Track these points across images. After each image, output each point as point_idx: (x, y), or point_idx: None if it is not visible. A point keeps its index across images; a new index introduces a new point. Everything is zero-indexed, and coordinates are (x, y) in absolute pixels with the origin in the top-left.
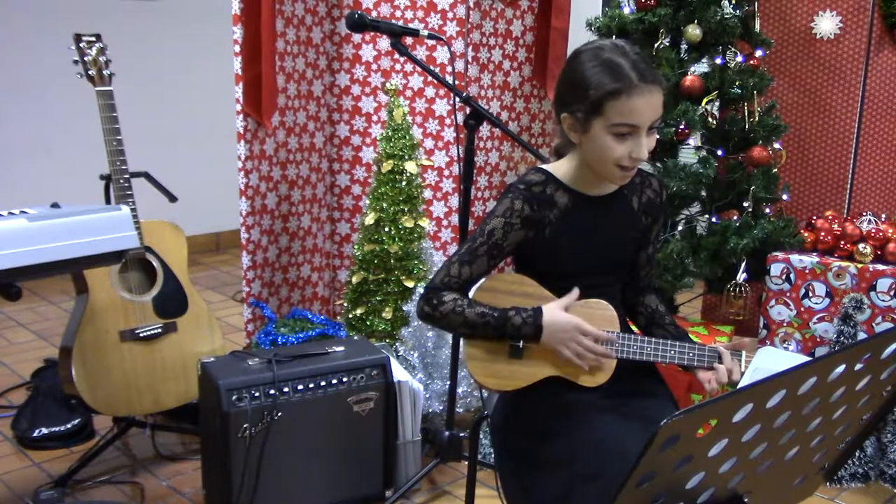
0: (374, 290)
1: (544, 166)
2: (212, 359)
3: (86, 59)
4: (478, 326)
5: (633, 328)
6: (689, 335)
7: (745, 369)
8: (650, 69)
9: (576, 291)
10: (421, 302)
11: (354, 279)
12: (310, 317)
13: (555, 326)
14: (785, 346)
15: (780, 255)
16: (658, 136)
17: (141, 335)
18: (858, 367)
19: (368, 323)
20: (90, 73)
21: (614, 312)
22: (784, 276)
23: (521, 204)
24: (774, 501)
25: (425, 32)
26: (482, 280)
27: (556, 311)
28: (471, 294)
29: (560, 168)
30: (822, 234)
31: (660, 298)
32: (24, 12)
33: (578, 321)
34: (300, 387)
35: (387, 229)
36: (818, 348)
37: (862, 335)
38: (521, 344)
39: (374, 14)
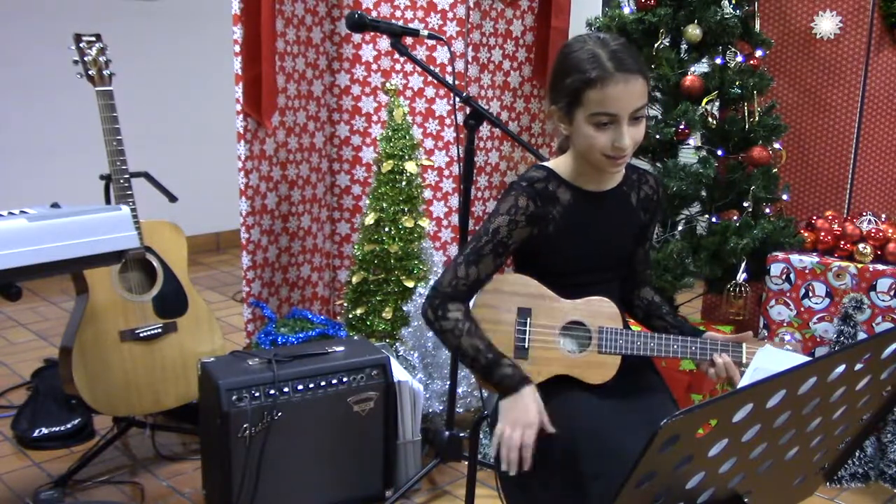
0: (374, 290)
1: (545, 163)
2: (212, 359)
3: (86, 59)
4: (467, 358)
5: (634, 328)
6: (688, 322)
7: (747, 361)
8: (629, 58)
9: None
10: (426, 304)
11: (354, 279)
12: (310, 317)
13: (528, 401)
14: (784, 337)
15: (780, 255)
16: (658, 136)
17: (141, 335)
18: (858, 367)
19: (368, 323)
20: (90, 73)
21: (616, 309)
22: (784, 276)
23: (525, 201)
24: (774, 501)
25: (425, 32)
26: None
27: (536, 395)
28: (475, 296)
29: (560, 164)
30: (822, 234)
31: (655, 290)
32: (24, 12)
33: (543, 419)
34: (300, 387)
35: (387, 229)
36: (818, 348)
37: (862, 335)
38: (526, 344)
39: (374, 14)
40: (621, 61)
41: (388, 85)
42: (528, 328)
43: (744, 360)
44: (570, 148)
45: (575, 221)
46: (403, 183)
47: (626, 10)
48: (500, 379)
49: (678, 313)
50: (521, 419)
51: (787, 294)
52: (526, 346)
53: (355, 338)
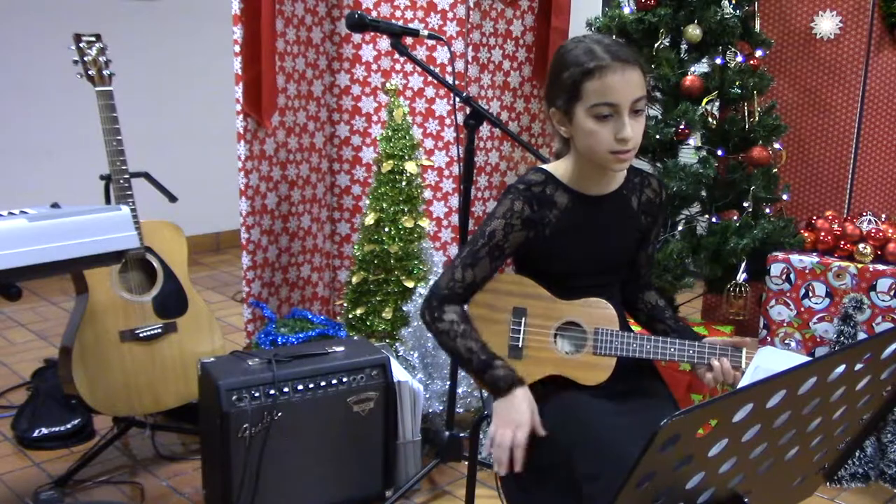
0: (374, 290)
1: (544, 166)
2: (212, 359)
3: (86, 59)
4: (462, 360)
5: (634, 328)
6: (691, 327)
7: (746, 366)
8: (625, 50)
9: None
10: (424, 306)
11: (354, 279)
12: (310, 317)
13: (520, 402)
14: (786, 342)
15: (780, 255)
16: (658, 136)
17: (141, 335)
18: (858, 367)
19: (368, 323)
20: (90, 73)
21: (613, 311)
22: (784, 276)
23: (520, 205)
24: (774, 501)
25: (425, 32)
26: None
27: (529, 396)
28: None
29: (559, 168)
30: (822, 234)
31: (659, 294)
32: (24, 12)
33: (535, 421)
34: (300, 387)
35: (387, 229)
36: (818, 348)
37: (862, 335)
38: (520, 343)
39: (374, 14)
40: (616, 52)
41: (388, 85)
42: (522, 328)
43: (743, 366)
44: (570, 151)
45: (572, 225)
46: (403, 183)
47: (626, 10)
48: (493, 380)
49: (680, 318)
50: (513, 419)
51: (787, 294)
52: (520, 345)
53: (355, 338)
